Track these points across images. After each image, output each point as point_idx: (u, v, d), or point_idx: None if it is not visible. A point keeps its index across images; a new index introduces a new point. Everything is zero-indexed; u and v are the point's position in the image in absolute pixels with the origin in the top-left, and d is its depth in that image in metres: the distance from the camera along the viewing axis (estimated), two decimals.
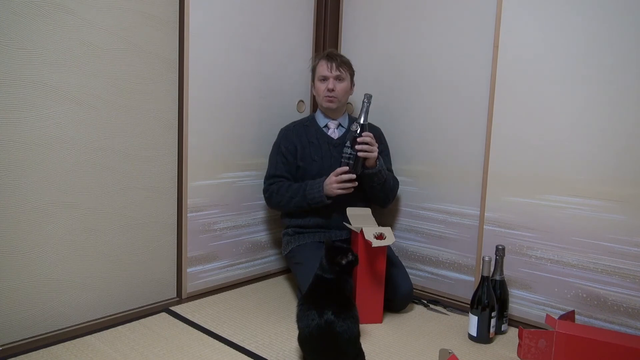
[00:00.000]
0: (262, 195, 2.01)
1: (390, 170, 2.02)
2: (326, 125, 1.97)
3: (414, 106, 2.07)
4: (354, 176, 1.76)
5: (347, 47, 2.30)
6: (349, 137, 1.77)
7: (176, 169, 1.85)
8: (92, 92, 1.58)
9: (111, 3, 1.59)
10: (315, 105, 2.33)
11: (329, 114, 1.97)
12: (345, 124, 2.00)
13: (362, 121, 1.75)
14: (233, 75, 1.98)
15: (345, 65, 1.92)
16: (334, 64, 1.90)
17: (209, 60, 1.88)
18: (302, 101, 2.28)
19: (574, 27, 1.63)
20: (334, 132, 1.97)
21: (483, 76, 1.85)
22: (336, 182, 1.77)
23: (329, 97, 1.91)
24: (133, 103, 1.69)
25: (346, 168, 1.76)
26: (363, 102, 1.76)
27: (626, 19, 1.53)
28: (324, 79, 1.91)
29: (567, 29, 1.64)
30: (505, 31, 1.77)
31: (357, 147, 1.73)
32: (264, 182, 1.99)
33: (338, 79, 1.90)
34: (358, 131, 1.74)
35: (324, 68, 1.91)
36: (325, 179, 1.82)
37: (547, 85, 1.69)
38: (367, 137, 1.74)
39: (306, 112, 2.31)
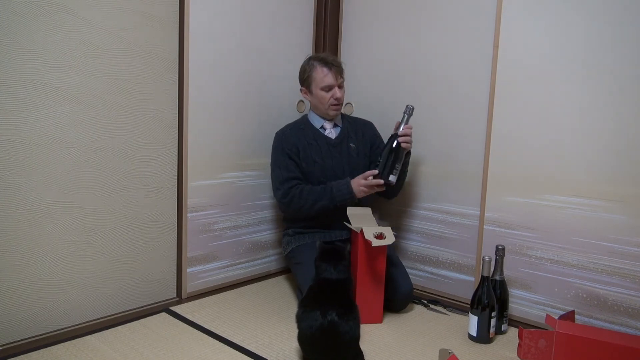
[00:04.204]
0: (263, 195, 2.00)
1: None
2: (322, 126, 1.96)
3: (414, 106, 2.06)
4: (382, 181, 1.75)
5: (347, 47, 2.30)
6: (387, 147, 1.76)
7: (176, 169, 1.85)
8: (92, 92, 1.58)
9: (111, 3, 1.59)
10: None
11: (326, 116, 1.95)
12: (340, 122, 1.99)
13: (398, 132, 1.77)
14: (233, 75, 1.98)
15: (342, 69, 1.91)
16: (338, 73, 1.87)
17: (209, 60, 1.88)
18: (302, 101, 2.28)
19: (574, 27, 1.63)
20: (331, 132, 1.96)
21: (483, 76, 1.85)
22: (365, 185, 1.77)
23: (336, 105, 1.89)
24: (133, 103, 1.69)
25: (375, 172, 1.75)
26: (404, 112, 1.77)
27: (626, 19, 1.53)
28: (330, 88, 1.86)
29: (568, 29, 1.64)
30: (505, 31, 1.77)
31: (401, 138, 1.75)
32: (280, 187, 1.87)
33: (341, 85, 1.89)
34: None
35: (329, 78, 1.85)
36: (349, 178, 1.83)
37: (547, 85, 1.69)
38: (408, 129, 1.77)
39: (306, 112, 2.30)
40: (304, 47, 2.26)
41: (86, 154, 1.58)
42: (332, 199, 1.82)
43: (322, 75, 1.86)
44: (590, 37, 1.60)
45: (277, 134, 1.97)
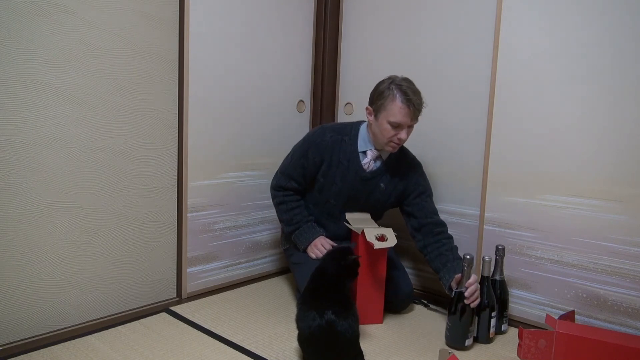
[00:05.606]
0: (263, 195, 2.00)
1: (435, 212, 1.84)
2: (364, 152, 1.79)
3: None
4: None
5: (347, 47, 2.30)
6: (455, 312, 1.56)
7: (176, 169, 1.85)
8: (92, 92, 1.58)
9: (111, 3, 1.59)
10: (315, 106, 2.33)
11: (378, 146, 1.77)
12: (385, 156, 1.82)
13: (462, 289, 1.55)
14: (233, 75, 1.98)
15: (420, 112, 1.70)
16: (415, 115, 1.66)
17: (209, 60, 1.88)
18: (302, 101, 2.28)
19: (574, 27, 1.63)
20: (368, 164, 1.80)
21: (483, 76, 1.85)
22: (320, 250, 1.79)
23: (396, 145, 1.71)
24: (133, 103, 1.69)
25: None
26: (463, 267, 1.55)
27: (626, 19, 1.53)
28: (399, 126, 1.65)
29: (568, 28, 1.64)
30: (505, 31, 1.77)
31: (469, 300, 1.53)
32: (279, 176, 1.87)
33: (411, 126, 1.70)
34: (462, 291, 1.55)
35: (405, 117, 1.64)
36: (320, 235, 1.84)
37: (547, 85, 1.69)
38: (471, 285, 1.55)
39: (306, 112, 2.30)
40: (304, 47, 2.26)
41: (86, 154, 1.58)
42: (293, 233, 1.86)
43: (399, 113, 1.63)
44: (591, 37, 1.60)
45: (320, 128, 1.85)
